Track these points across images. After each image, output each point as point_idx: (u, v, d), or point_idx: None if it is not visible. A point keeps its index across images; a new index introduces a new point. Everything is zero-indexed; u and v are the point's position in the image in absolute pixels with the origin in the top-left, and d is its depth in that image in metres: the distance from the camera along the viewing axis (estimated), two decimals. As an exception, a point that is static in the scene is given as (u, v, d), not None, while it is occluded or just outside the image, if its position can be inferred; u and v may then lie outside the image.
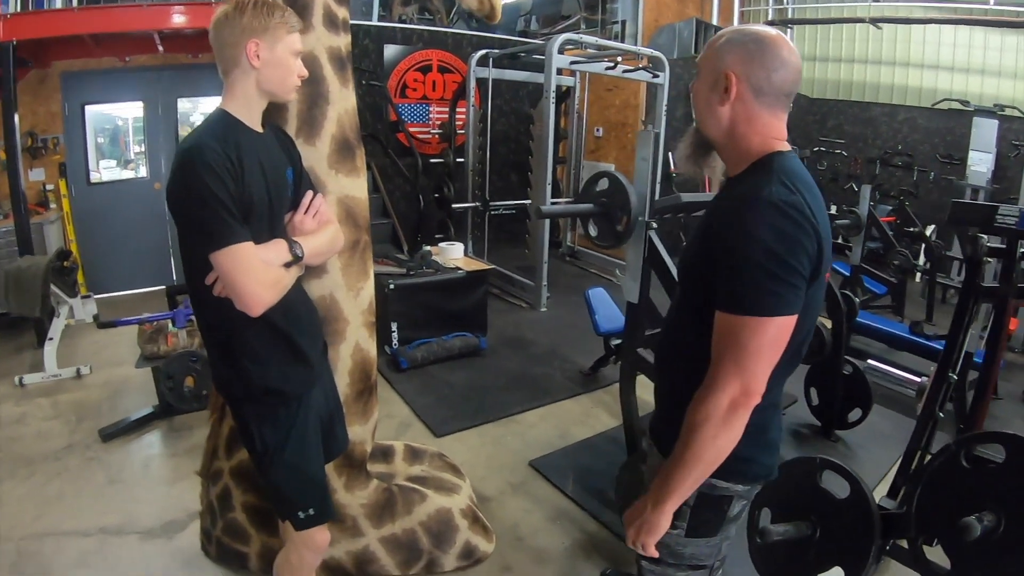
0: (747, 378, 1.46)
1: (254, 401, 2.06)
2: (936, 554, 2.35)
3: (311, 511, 2.18)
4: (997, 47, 9.58)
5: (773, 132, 1.59)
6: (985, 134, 8.60)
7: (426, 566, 3.00)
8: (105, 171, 7.43)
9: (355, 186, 2.55)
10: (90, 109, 7.15)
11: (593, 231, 3.43)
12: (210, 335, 2.04)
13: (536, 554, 3.23)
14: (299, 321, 2.13)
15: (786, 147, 1.60)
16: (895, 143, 10.01)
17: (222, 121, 1.90)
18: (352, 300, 2.59)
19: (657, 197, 3.32)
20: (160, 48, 6.97)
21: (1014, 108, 8.97)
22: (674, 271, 3.17)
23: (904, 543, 2.48)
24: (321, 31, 2.41)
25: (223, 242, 1.79)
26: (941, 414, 2.83)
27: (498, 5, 3.07)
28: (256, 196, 1.90)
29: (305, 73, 2.00)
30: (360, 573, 2.93)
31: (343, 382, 2.64)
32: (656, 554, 1.71)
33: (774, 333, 1.46)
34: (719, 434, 1.49)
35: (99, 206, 7.18)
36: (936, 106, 9.63)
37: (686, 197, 3.46)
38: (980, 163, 8.64)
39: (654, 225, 3.22)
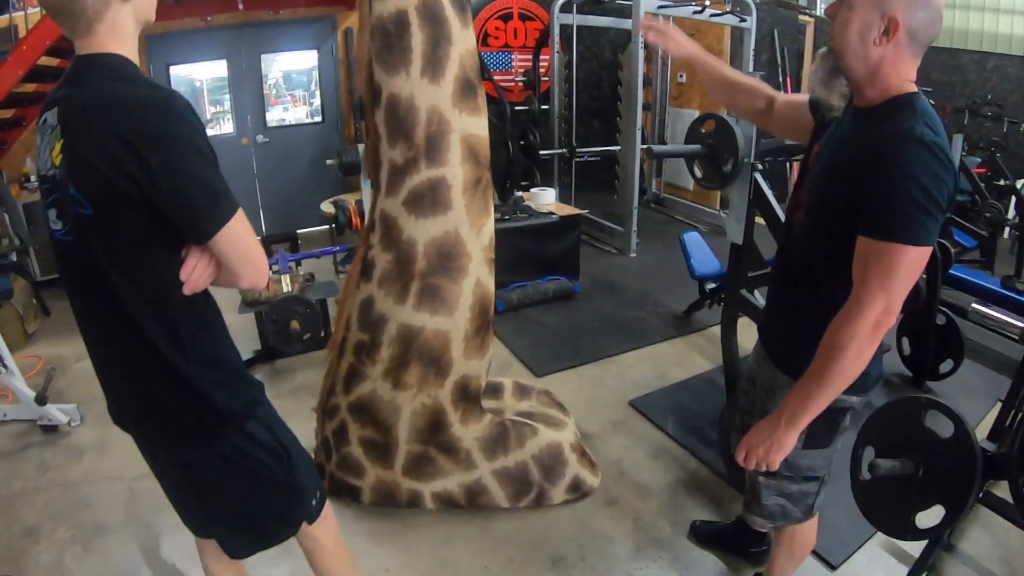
0: (891, 299, 1.57)
1: (257, 404, 1.75)
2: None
3: (317, 492, 1.99)
4: (1092, -11, 9.12)
5: (910, 75, 1.67)
6: (1080, 83, 8.25)
7: (536, 498, 3.10)
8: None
9: (477, 125, 2.61)
10: (175, 70, 7.25)
11: (699, 172, 3.45)
12: (187, 358, 1.55)
13: (639, 489, 3.31)
14: None
15: (915, 88, 1.67)
16: (984, 92, 9.57)
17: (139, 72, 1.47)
18: (474, 237, 2.68)
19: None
20: (240, 6, 7.06)
21: (1111, 55, 8.52)
22: (780, 212, 3.17)
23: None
24: None
25: (234, 203, 1.46)
26: None
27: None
28: None
29: None
30: (470, 504, 3.05)
31: (464, 317, 2.75)
32: (776, 467, 1.83)
33: (918, 260, 1.56)
34: (863, 351, 1.62)
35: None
36: None
37: (790, 140, 3.43)
38: (1075, 115, 8.32)
39: (760, 167, 3.21)
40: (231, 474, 1.70)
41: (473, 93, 2.59)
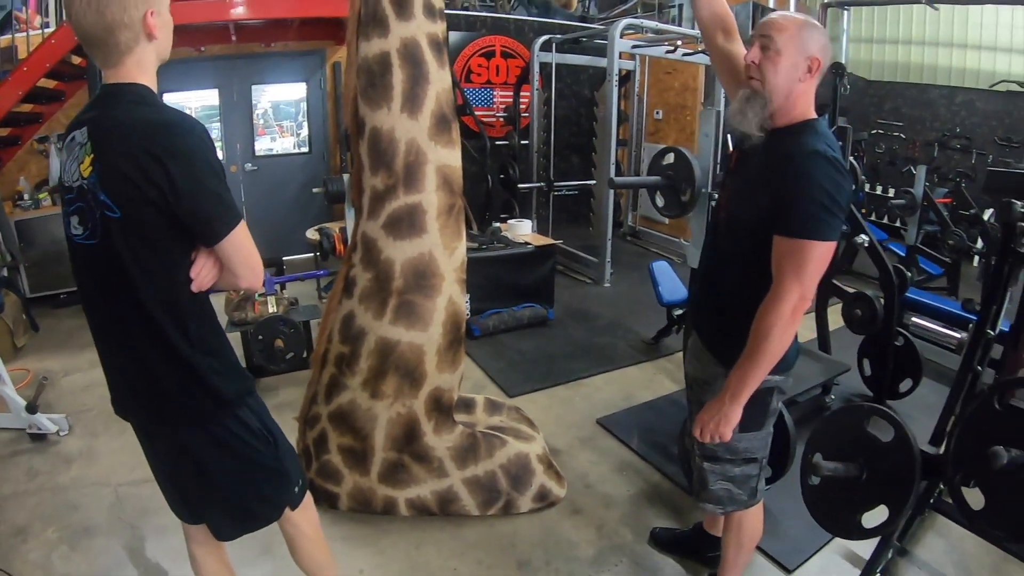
0: (805, 288, 1.90)
1: (248, 394, 1.96)
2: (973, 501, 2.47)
3: (300, 480, 2.18)
4: (1054, 28, 9.46)
5: (812, 102, 2.04)
6: (1043, 116, 8.52)
7: (504, 506, 3.29)
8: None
9: (451, 156, 2.89)
10: (167, 97, 7.25)
11: (660, 202, 3.70)
12: (191, 346, 1.77)
13: (604, 499, 3.50)
14: None
15: (815, 114, 2.04)
16: (953, 126, 9.89)
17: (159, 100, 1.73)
18: (447, 258, 2.93)
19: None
20: (233, 38, 7.33)
21: (1072, 89, 8.83)
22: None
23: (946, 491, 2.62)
24: (421, 19, 2.74)
25: (239, 214, 1.72)
26: (980, 367, 2.98)
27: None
28: None
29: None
30: (442, 511, 3.24)
31: (437, 332, 2.98)
32: (728, 438, 2.11)
33: (825, 253, 1.89)
34: (785, 333, 1.93)
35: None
36: (994, 87, 9.53)
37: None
38: (1039, 146, 8.58)
39: (715, 196, 3.44)
40: (224, 456, 1.90)
41: (448, 127, 2.86)
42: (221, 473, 1.94)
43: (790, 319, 1.91)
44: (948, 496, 2.55)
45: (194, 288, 1.73)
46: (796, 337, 2.11)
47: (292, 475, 2.13)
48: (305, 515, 2.23)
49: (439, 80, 2.81)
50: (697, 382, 2.43)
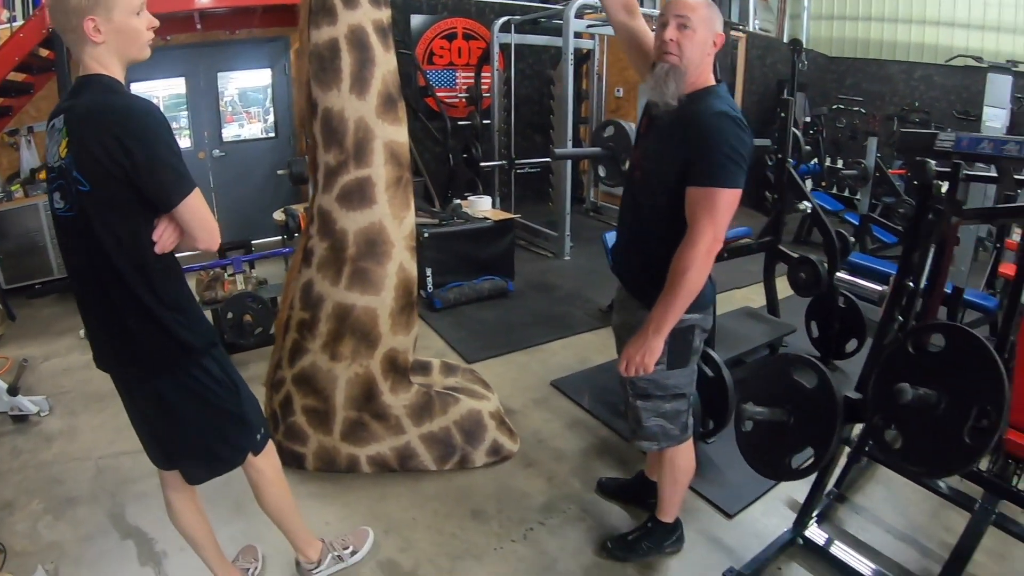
0: (717, 229, 2.15)
1: (212, 345, 2.17)
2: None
3: (262, 428, 2.40)
4: (1011, 3, 9.74)
5: (711, 71, 2.33)
6: (999, 90, 8.43)
7: (459, 461, 3.52)
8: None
9: (398, 132, 3.11)
10: (135, 87, 7.31)
11: (602, 172, 3.91)
12: (160, 303, 2.00)
13: (555, 453, 3.75)
14: None
15: (714, 81, 2.32)
16: (912, 100, 10.18)
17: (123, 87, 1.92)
18: (397, 227, 3.16)
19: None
20: (198, 26, 7.37)
21: (1027, 63, 9.02)
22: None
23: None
24: (367, 7, 2.96)
25: (192, 183, 1.91)
26: (900, 318, 3.19)
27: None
28: None
29: (156, 23, 1.96)
30: (402, 467, 3.47)
31: (390, 296, 3.21)
32: (652, 370, 2.33)
33: (732, 200, 2.16)
34: (701, 271, 2.18)
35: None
36: (950, 62, 9.73)
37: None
38: (995, 119, 8.55)
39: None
40: (191, 401, 2.13)
41: (394, 106, 3.08)
42: (189, 417, 2.16)
43: (705, 258, 2.15)
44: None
45: (158, 250, 1.93)
46: (711, 278, 2.35)
47: (254, 421, 2.35)
48: (267, 460, 2.44)
49: (385, 63, 3.02)
50: (625, 328, 2.63)
